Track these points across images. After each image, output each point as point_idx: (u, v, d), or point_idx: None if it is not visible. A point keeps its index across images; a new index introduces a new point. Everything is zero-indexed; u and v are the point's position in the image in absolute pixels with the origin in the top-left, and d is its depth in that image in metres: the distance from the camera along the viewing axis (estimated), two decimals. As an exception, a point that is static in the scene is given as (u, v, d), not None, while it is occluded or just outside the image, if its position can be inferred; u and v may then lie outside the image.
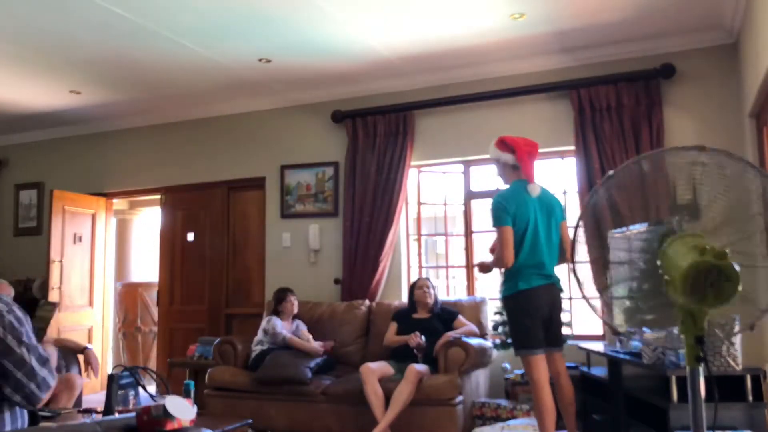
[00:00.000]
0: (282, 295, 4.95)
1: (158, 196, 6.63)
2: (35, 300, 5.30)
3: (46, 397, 1.77)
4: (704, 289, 1.42)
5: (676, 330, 3.26)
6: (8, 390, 1.70)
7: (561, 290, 3.54)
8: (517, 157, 3.48)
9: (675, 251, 1.54)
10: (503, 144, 3.55)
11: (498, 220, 3.39)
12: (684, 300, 1.49)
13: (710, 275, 1.40)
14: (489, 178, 5.60)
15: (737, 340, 3.23)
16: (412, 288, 4.70)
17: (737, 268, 1.40)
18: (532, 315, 3.36)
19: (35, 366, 1.74)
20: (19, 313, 1.78)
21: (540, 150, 4.91)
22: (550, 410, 3.30)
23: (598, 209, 1.88)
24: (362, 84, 5.63)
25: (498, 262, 3.44)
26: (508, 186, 3.57)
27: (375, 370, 4.15)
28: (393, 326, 4.62)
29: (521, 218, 3.39)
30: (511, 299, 3.43)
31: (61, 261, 6.26)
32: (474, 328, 4.47)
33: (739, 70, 4.48)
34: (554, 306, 3.48)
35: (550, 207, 3.51)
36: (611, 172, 1.77)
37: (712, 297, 1.44)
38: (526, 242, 3.38)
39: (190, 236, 6.33)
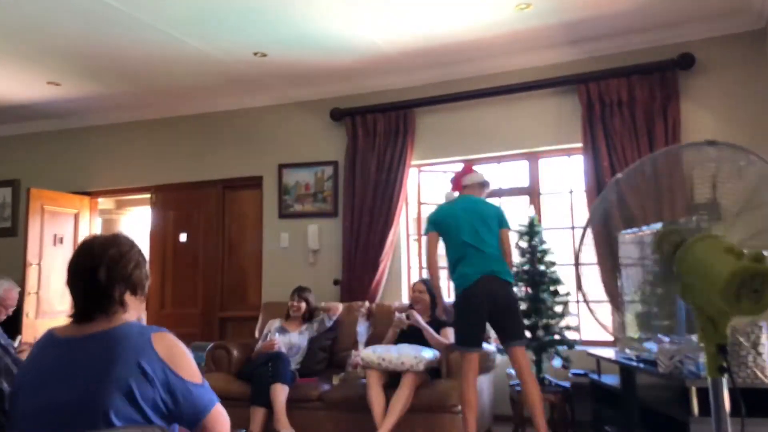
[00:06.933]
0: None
1: (148, 195, 6.42)
2: None
3: None
4: (744, 296, 1.27)
5: (694, 337, 3.03)
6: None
7: (509, 282, 3.68)
8: (454, 188, 4.04)
9: (704, 254, 1.39)
10: (454, 184, 4.06)
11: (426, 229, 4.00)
12: (715, 308, 1.35)
13: (755, 281, 1.25)
14: (489, 178, 5.39)
15: (765, 349, 3.01)
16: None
17: None
18: (469, 315, 3.64)
19: None
20: None
21: (545, 148, 5.02)
22: (472, 406, 3.58)
23: (607, 215, 1.80)
24: (361, 80, 5.49)
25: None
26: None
27: (381, 374, 4.02)
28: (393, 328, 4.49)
29: (450, 226, 3.81)
30: (456, 300, 3.72)
31: (39, 264, 5.95)
32: (441, 341, 4.21)
33: None
34: (497, 297, 3.62)
35: (481, 214, 3.80)
36: (619, 175, 1.74)
37: (749, 304, 1.29)
38: (456, 247, 3.77)
39: (183, 237, 6.15)
